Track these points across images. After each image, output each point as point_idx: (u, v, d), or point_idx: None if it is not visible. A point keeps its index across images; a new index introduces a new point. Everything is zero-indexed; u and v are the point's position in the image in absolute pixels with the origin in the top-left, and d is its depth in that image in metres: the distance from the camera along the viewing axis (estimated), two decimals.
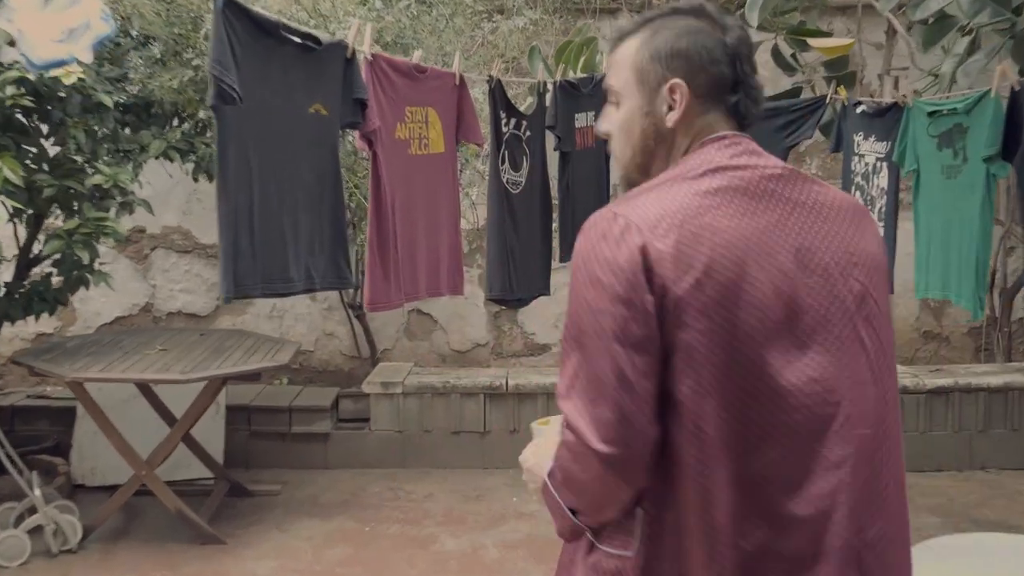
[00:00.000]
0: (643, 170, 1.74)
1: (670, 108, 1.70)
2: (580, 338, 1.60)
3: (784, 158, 4.80)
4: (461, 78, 3.92)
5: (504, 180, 4.09)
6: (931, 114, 4.21)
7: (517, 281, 4.18)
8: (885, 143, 4.50)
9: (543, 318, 6.66)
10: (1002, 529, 5.01)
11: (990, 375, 5.84)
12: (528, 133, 4.25)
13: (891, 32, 5.85)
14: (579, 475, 1.61)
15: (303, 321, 6.67)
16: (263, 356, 5.03)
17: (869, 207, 4.61)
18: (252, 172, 3.02)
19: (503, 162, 4.07)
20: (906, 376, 5.82)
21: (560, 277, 6.30)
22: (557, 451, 1.64)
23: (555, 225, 4.61)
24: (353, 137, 4.08)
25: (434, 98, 3.77)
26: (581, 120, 4.48)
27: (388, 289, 3.49)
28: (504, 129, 4.10)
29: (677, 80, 1.69)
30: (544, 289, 4.46)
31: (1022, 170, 3.74)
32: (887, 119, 4.50)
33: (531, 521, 5.09)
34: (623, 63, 1.74)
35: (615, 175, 1.93)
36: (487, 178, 4.16)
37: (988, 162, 3.87)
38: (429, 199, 3.77)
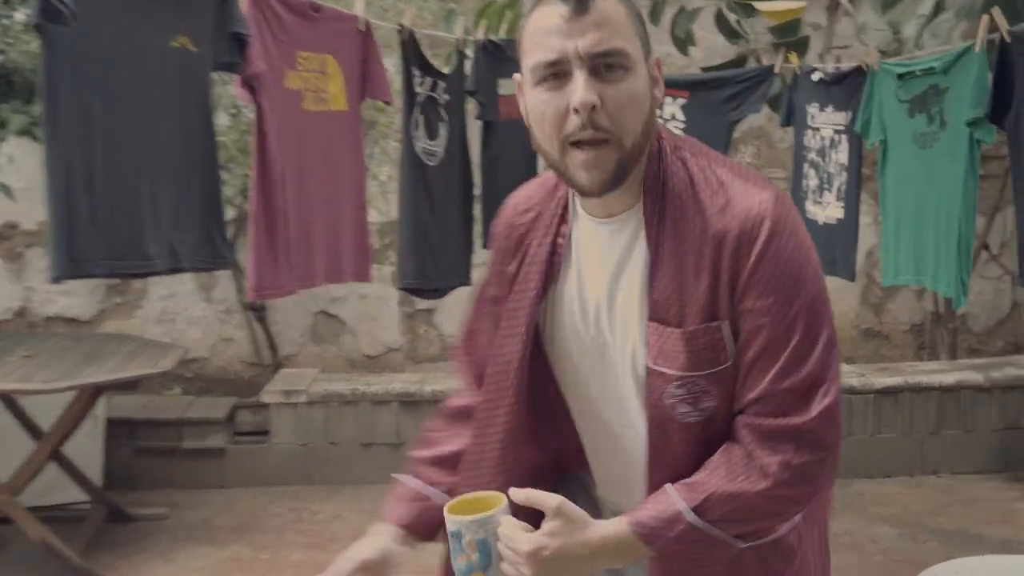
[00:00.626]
0: (642, 152, 1.49)
1: (655, 82, 1.51)
2: (820, 325, 1.46)
3: (729, 134, 4.22)
4: (367, 24, 3.20)
5: (418, 149, 3.38)
6: (901, 76, 3.62)
7: (434, 267, 3.47)
8: (845, 113, 3.90)
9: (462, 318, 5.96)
10: (961, 538, 4.51)
11: (941, 373, 5.30)
12: (446, 97, 3.55)
13: (833, 6, 5.30)
14: (813, 487, 1.51)
15: (197, 325, 5.89)
16: (144, 362, 4.26)
17: (826, 186, 4.01)
18: (93, 117, 2.29)
19: (416, 127, 3.37)
20: (852, 376, 5.24)
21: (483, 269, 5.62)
22: (779, 472, 1.45)
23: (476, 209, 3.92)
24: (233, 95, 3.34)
25: (333, 44, 3.05)
26: (506, 87, 3.80)
27: (277, 272, 2.77)
28: (418, 89, 3.39)
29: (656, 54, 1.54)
30: (465, 279, 3.76)
31: (1016, 134, 3.15)
32: (847, 86, 3.89)
33: None
34: (622, 22, 1.44)
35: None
36: (400, 146, 3.43)
37: (972, 126, 3.28)
38: (328, 165, 3.05)
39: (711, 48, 5.08)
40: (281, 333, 5.91)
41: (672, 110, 4.15)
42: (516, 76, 1.56)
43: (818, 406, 1.44)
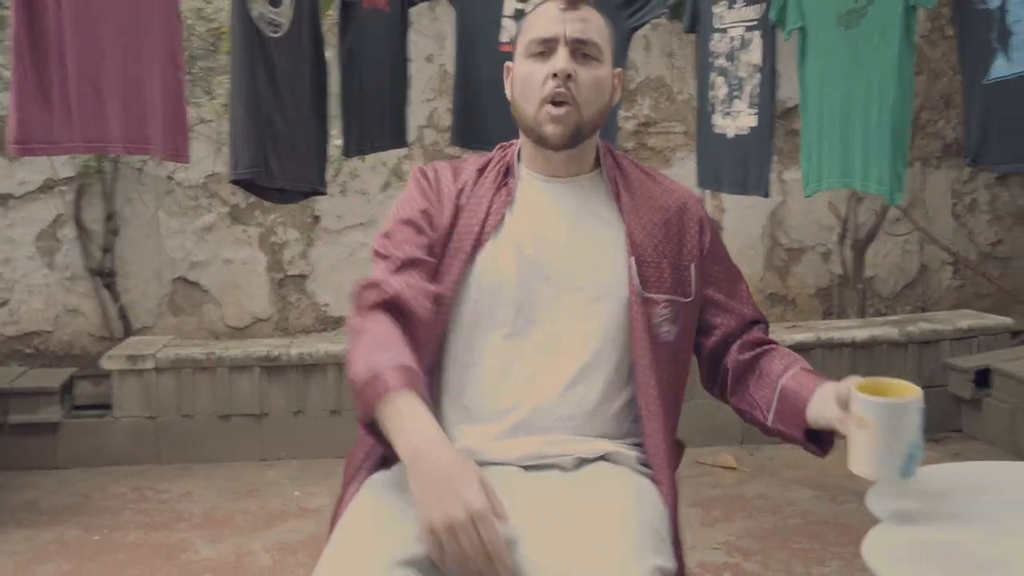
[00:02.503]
0: (595, 130, 1.79)
1: (614, 89, 1.82)
2: None
3: (625, 45, 3.62)
4: None
5: (255, 13, 2.68)
6: None
7: (277, 161, 2.75)
8: (758, 6, 3.33)
9: (339, 286, 5.24)
10: None
11: (854, 329, 4.76)
12: None
13: None
14: None
15: (38, 294, 5.06)
16: None
17: (736, 92, 3.43)
18: None
19: None
20: None
21: (347, 179, 4.95)
22: None
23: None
24: None
25: None
26: None
27: (50, 122, 2.05)
28: None
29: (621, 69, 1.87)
30: (319, 184, 3.05)
31: None
32: None
33: (316, 518, 3.69)
34: (601, 27, 1.77)
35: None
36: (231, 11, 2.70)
37: None
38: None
39: None
40: (134, 303, 5.13)
41: None
42: (508, 64, 1.82)
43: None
